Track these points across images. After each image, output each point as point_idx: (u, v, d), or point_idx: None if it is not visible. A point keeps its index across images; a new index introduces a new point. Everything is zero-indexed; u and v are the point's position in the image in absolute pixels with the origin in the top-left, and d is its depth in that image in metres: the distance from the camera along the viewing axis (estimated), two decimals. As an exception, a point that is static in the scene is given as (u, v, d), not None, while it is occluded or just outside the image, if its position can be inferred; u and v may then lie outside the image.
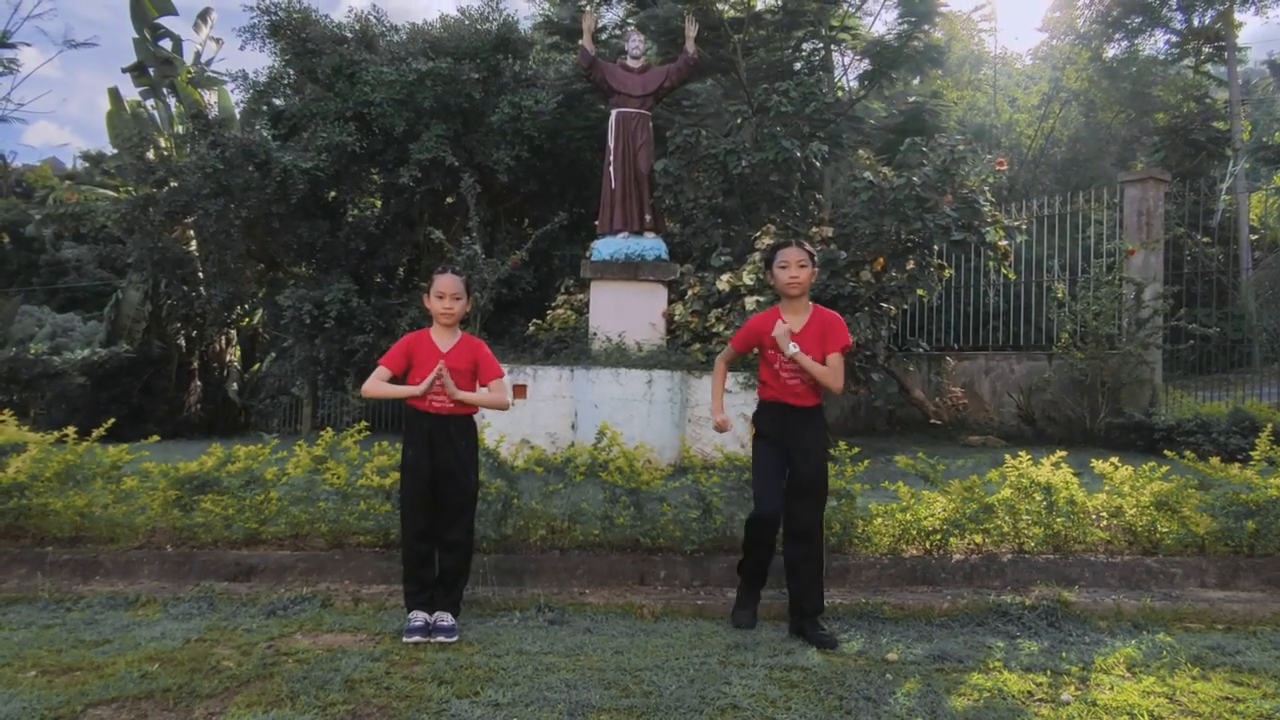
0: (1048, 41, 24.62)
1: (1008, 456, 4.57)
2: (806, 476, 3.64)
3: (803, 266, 3.70)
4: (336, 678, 2.97)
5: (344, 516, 4.48)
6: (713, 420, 3.83)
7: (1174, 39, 19.49)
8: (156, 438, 5.06)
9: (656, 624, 3.72)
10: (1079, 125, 21.86)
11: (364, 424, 4.80)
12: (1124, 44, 20.39)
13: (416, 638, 3.46)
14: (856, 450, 4.66)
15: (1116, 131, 21.07)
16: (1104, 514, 4.41)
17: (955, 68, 22.11)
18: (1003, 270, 9.28)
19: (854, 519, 4.42)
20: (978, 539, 4.41)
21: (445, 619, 3.58)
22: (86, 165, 22.79)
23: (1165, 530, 4.32)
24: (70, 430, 4.73)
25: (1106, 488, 4.46)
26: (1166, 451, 4.62)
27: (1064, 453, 4.53)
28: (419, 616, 3.56)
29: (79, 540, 4.58)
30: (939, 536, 4.36)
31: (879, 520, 4.47)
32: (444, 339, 3.74)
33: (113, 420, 5.02)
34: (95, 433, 4.81)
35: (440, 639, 3.47)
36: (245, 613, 3.79)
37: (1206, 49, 19.15)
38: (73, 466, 4.67)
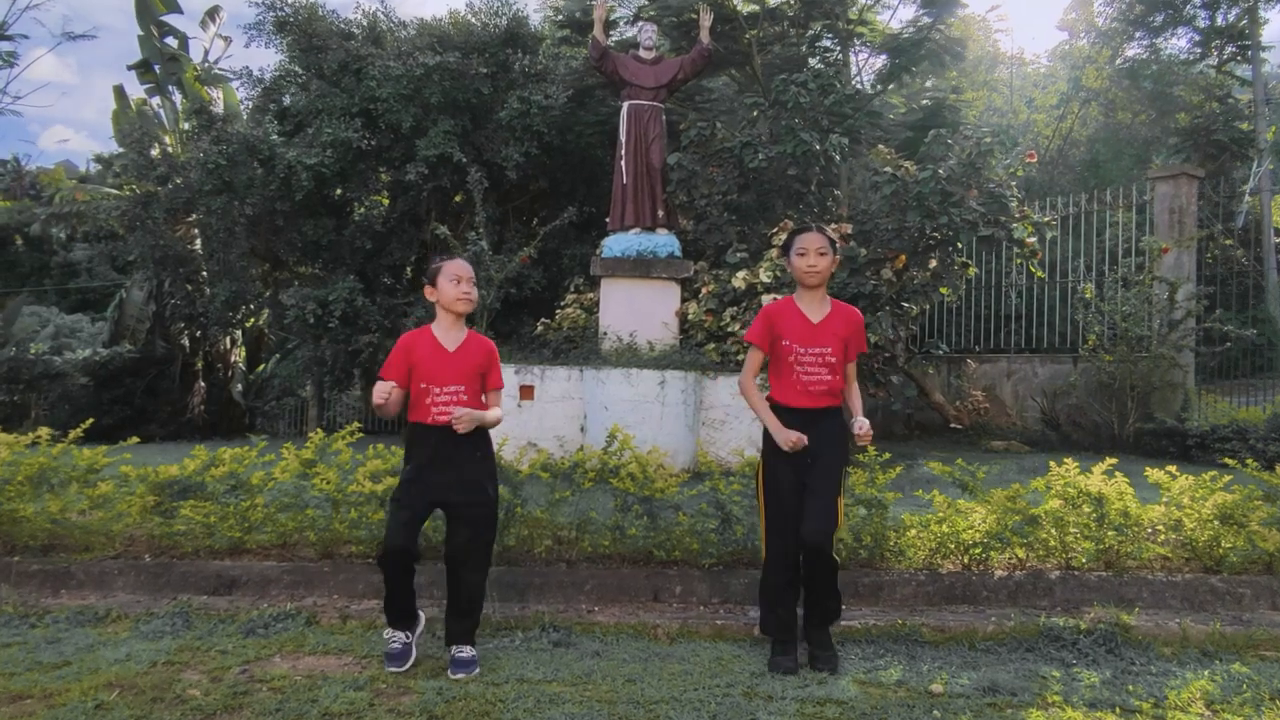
0: (1067, 41, 24.21)
1: (1052, 464, 4.22)
2: (816, 474, 3.23)
3: (822, 254, 3.33)
4: (313, 711, 2.64)
5: (334, 525, 4.16)
6: (784, 441, 3.22)
7: (1196, 38, 19.11)
8: (137, 439, 4.76)
9: (672, 647, 3.38)
10: (1098, 126, 21.42)
11: (356, 425, 4.48)
12: (1145, 43, 20.01)
13: (394, 667, 3.09)
14: (887, 456, 4.31)
15: (1137, 132, 20.63)
16: (1161, 528, 4.05)
17: (971, 68, 21.73)
18: (1031, 269, 8.90)
19: (886, 531, 4.07)
20: (1020, 553, 4.05)
21: (464, 650, 3.17)
22: (99, 167, 22.68)
23: (1229, 546, 3.95)
24: (43, 431, 4.43)
25: (1165, 499, 4.09)
26: (1227, 460, 4.25)
27: (1114, 460, 4.16)
28: (397, 638, 3.17)
29: (51, 549, 4.27)
30: (979, 550, 4.00)
31: (913, 532, 4.12)
32: (450, 335, 3.26)
33: (91, 421, 4.72)
34: (73, 434, 4.51)
35: (459, 675, 3.05)
36: (222, 631, 3.47)
37: (1229, 48, 18.77)
38: (46, 470, 4.37)
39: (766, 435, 3.41)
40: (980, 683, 2.96)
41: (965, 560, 4.04)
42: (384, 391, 3.07)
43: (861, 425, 3.27)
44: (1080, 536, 3.99)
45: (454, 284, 3.25)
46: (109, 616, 3.64)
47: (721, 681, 2.98)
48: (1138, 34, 19.79)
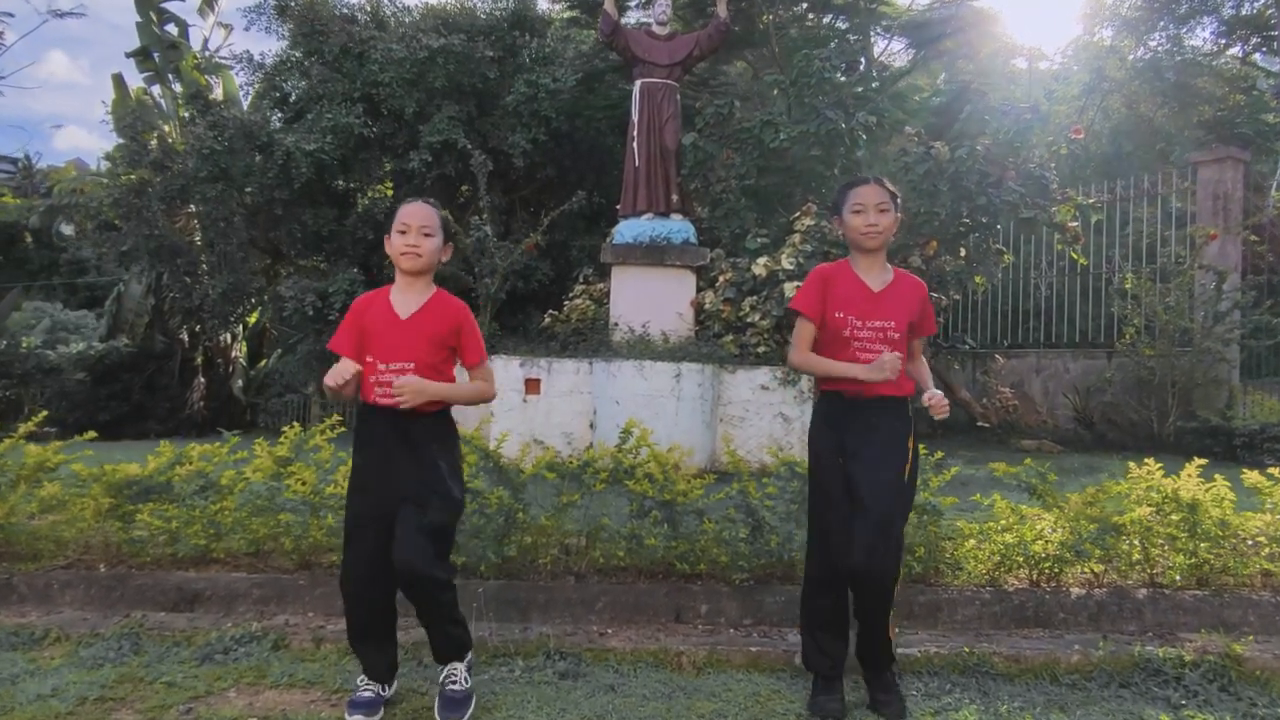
0: (1083, 35, 23.55)
1: (1131, 465, 3.69)
2: (869, 483, 2.67)
3: (883, 210, 2.81)
4: (262, 767, 2.15)
5: (312, 531, 3.67)
6: (881, 370, 2.67)
7: (1221, 28, 18.54)
8: (93, 434, 4.28)
9: (699, 679, 2.87)
10: (1121, 118, 20.81)
11: (336, 418, 3.98)
12: (1168, 33, 19.41)
13: (357, 717, 2.53)
14: (940, 455, 3.80)
15: (1159, 125, 20.02)
16: (1262, 539, 3.51)
17: (987, 61, 21.15)
18: (1073, 255, 8.34)
19: (941, 541, 3.55)
20: (1097, 568, 3.53)
21: (455, 679, 2.60)
22: (109, 165, 22.32)
23: (1343, 560, 3.42)
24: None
25: (1268, 505, 3.55)
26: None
27: (1204, 461, 3.63)
28: (369, 687, 2.62)
29: (-7, 557, 3.79)
30: (1049, 564, 3.48)
31: (971, 543, 3.60)
32: (407, 298, 2.67)
33: (45, 414, 4.24)
34: (23, 427, 4.02)
35: (451, 718, 2.52)
36: (174, 657, 2.98)
37: (1254, 39, 18.20)
38: (-10, 469, 3.89)
39: (813, 429, 2.89)
40: (1076, 730, 2.44)
41: (1034, 575, 3.52)
42: (342, 375, 2.50)
43: (933, 396, 2.76)
44: (1169, 549, 3.47)
45: (400, 235, 2.64)
46: (47, 638, 3.15)
47: (763, 727, 2.47)
48: (1161, 23, 19.19)
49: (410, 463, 2.59)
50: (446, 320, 2.68)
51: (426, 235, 2.65)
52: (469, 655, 2.73)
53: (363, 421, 2.67)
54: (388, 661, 2.67)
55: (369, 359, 2.62)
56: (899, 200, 2.89)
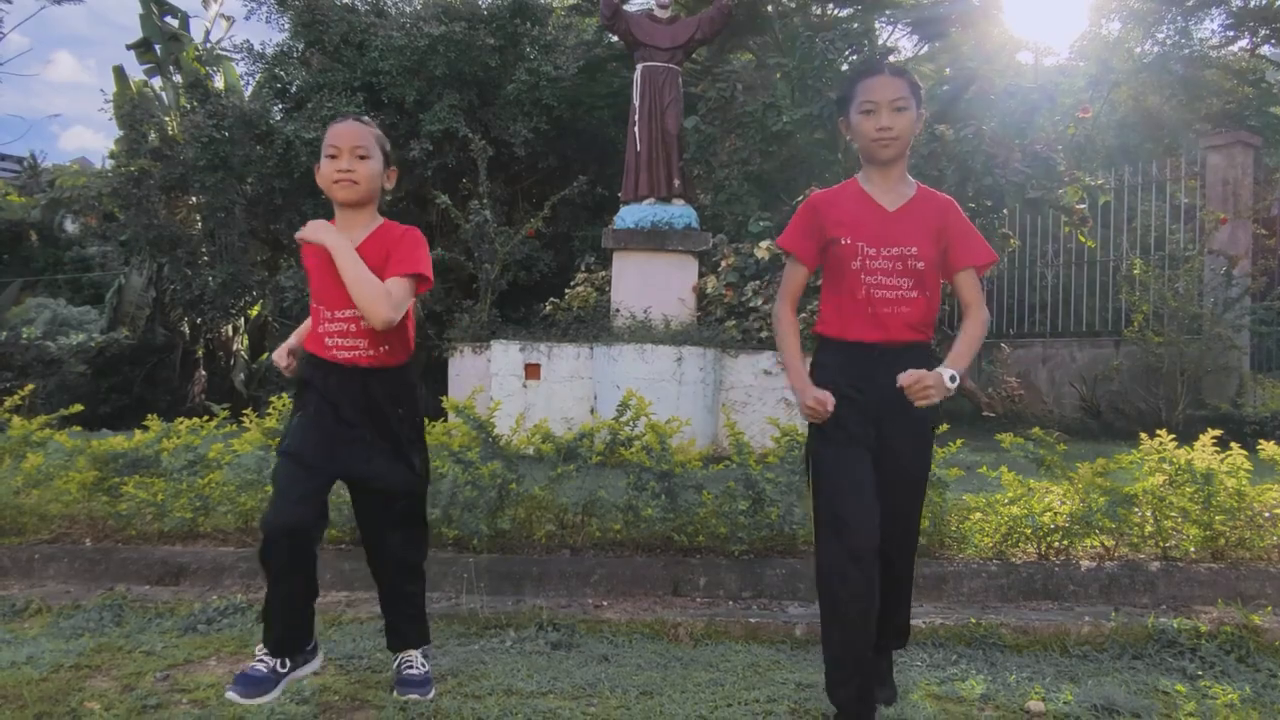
0: (1091, 28, 23.35)
1: (1143, 436, 3.60)
2: (896, 465, 2.17)
3: (901, 109, 2.09)
4: (236, 731, 2.06)
5: (301, 505, 3.56)
6: (800, 402, 2.12)
7: (1230, 20, 18.37)
8: (78, 406, 4.20)
9: (696, 650, 2.78)
10: (1127, 110, 20.63)
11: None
12: (1176, 24, 19.24)
13: (237, 693, 2.13)
14: (945, 427, 3.70)
15: (1166, 119, 19.84)
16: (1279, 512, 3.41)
17: (993, 54, 20.99)
18: (1080, 238, 8.22)
19: (946, 514, 3.45)
20: (1107, 541, 3.43)
21: (412, 665, 2.34)
22: (113, 162, 22.31)
23: (1363, 532, 3.32)
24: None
25: (1286, 476, 3.45)
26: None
27: (1219, 432, 3.54)
28: (263, 661, 2.20)
29: (-23, 532, 3.71)
30: (1058, 537, 3.38)
31: (978, 515, 3.50)
32: (349, 235, 2.25)
33: (30, 387, 4.16)
34: (9, 400, 3.94)
35: (412, 695, 2.27)
36: (155, 627, 2.89)
37: (1263, 30, 18.04)
38: (-26, 443, 3.81)
39: (820, 378, 2.26)
40: (1088, 699, 2.34)
41: (1042, 548, 3.42)
42: (283, 360, 2.38)
43: (910, 375, 2.02)
44: (1182, 521, 3.36)
45: (329, 160, 2.25)
46: (28, 610, 3.07)
47: (761, 695, 2.37)
48: (1169, 15, 19.03)
49: (362, 429, 2.29)
50: (388, 247, 2.28)
51: (362, 158, 2.25)
52: (427, 648, 2.48)
53: (308, 372, 2.32)
54: (299, 626, 2.29)
55: (314, 304, 2.31)
56: (921, 93, 2.17)
